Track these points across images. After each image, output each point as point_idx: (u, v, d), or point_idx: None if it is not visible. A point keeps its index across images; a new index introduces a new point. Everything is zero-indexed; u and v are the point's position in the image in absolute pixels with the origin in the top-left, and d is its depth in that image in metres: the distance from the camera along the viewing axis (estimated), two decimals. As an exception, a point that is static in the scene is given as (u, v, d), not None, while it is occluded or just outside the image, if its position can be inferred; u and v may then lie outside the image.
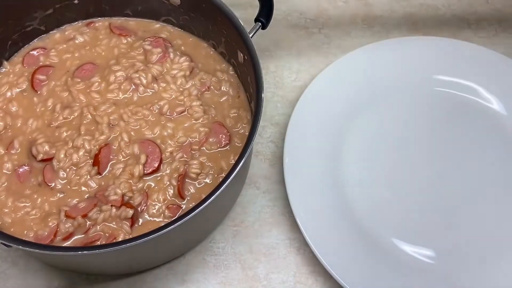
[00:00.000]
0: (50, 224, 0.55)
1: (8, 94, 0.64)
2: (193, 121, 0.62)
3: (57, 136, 0.60)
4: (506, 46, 0.78)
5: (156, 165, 0.58)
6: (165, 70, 0.64)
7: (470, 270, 0.58)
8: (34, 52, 0.67)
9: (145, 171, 0.58)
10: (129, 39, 0.68)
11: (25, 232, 0.55)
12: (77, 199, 0.56)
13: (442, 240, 0.61)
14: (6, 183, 0.58)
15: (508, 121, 0.68)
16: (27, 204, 0.57)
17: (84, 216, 0.55)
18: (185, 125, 0.61)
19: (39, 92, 0.64)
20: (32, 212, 0.56)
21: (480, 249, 0.60)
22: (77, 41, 0.68)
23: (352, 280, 0.55)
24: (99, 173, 0.58)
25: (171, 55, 0.65)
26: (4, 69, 0.66)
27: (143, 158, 0.58)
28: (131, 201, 0.56)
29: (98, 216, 0.55)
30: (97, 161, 0.58)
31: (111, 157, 0.59)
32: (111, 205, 0.55)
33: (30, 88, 0.64)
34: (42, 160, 0.58)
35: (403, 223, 0.62)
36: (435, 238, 0.61)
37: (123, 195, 0.56)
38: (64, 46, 0.68)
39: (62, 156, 0.58)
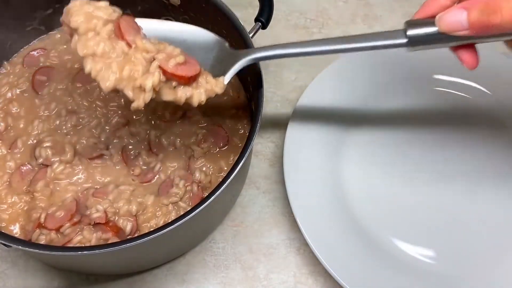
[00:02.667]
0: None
1: (9, 94, 0.64)
2: (190, 125, 0.62)
3: (61, 143, 0.60)
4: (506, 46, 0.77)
5: None
6: (165, 71, 0.64)
7: (471, 270, 0.58)
8: (34, 53, 0.67)
9: None
10: (129, 39, 0.68)
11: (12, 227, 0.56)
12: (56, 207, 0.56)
13: (442, 240, 0.61)
14: (8, 182, 0.58)
15: (508, 121, 0.68)
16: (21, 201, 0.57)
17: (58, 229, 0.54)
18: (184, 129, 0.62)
19: (40, 93, 0.64)
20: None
21: (481, 249, 0.60)
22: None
23: (352, 280, 0.55)
24: None
25: (171, 56, 0.65)
26: (4, 70, 0.66)
27: None
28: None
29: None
30: None
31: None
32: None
33: (30, 89, 0.64)
34: (42, 163, 0.59)
35: (403, 223, 0.62)
36: (435, 238, 0.61)
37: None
38: (64, 47, 0.68)
39: (59, 170, 0.58)
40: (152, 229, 0.48)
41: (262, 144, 0.70)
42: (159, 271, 0.61)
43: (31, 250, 0.47)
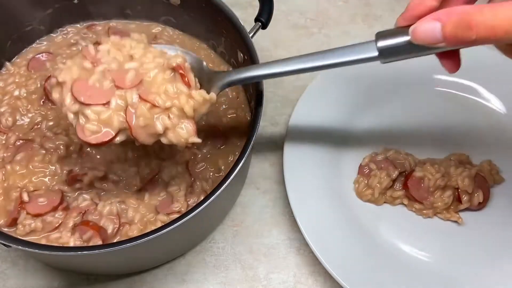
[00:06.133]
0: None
1: (16, 93, 0.64)
2: None
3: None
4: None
5: None
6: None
7: (471, 270, 0.58)
8: (40, 56, 0.67)
9: None
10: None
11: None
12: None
13: (442, 239, 0.61)
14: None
15: (508, 121, 0.68)
16: None
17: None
18: None
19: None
20: None
21: (480, 249, 0.60)
22: (80, 47, 0.68)
23: (352, 280, 0.55)
24: None
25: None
26: (6, 70, 0.66)
27: None
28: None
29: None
30: None
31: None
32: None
33: (42, 91, 0.64)
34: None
35: (403, 222, 0.62)
36: (435, 237, 0.61)
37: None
38: (68, 52, 0.68)
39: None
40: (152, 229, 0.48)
41: (262, 144, 0.70)
42: (159, 271, 0.61)
43: (31, 250, 0.47)
